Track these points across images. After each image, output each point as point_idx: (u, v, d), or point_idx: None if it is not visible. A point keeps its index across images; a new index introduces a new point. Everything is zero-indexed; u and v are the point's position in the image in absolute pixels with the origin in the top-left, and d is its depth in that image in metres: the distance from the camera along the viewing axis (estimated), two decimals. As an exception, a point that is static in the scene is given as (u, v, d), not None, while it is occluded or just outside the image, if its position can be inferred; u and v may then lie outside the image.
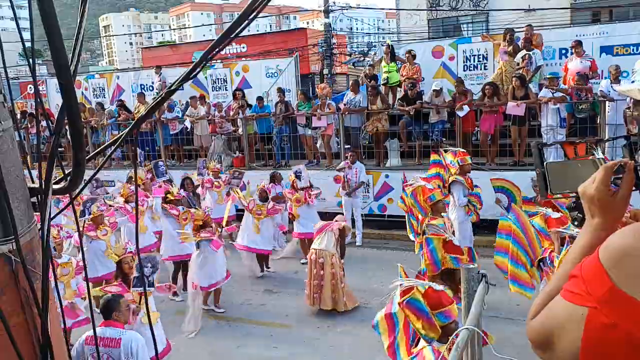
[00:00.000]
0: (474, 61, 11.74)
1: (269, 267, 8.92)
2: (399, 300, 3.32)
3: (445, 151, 7.87)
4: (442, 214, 6.59)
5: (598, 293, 0.88)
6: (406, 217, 7.29)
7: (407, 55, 11.25)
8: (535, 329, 1.02)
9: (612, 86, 8.87)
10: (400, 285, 3.38)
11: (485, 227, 8.99)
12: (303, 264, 8.71)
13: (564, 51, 10.76)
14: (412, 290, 3.27)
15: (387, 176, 10.49)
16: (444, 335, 3.28)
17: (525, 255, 5.38)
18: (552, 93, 9.12)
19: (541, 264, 5.33)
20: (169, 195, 8.38)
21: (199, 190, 9.93)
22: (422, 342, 3.38)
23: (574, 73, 9.58)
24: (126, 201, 8.66)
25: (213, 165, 10.37)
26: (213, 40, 1.44)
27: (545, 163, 1.37)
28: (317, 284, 7.08)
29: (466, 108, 9.66)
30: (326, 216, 8.69)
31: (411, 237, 7.14)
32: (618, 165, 1.09)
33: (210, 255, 7.10)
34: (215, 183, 9.99)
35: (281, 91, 11.67)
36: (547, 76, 9.46)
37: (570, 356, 0.93)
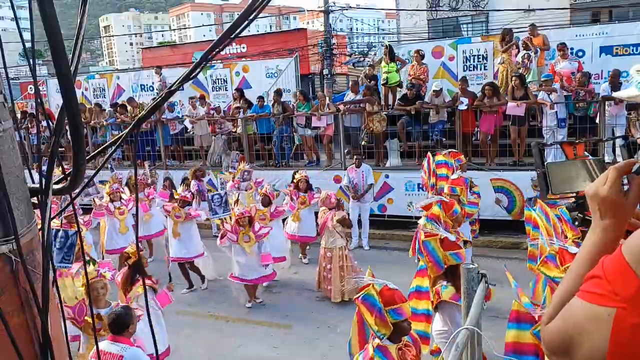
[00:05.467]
0: (474, 61, 11.74)
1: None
2: (355, 297, 3.63)
3: None
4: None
5: (625, 293, 0.86)
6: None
7: (415, 54, 11.24)
8: (552, 333, 0.97)
9: (612, 92, 8.86)
10: (357, 281, 3.68)
11: (484, 227, 8.98)
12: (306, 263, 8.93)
13: (564, 51, 10.76)
14: (368, 287, 3.52)
15: (387, 176, 10.47)
16: (395, 333, 3.46)
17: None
18: (548, 95, 9.12)
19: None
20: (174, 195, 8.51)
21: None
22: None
23: (567, 74, 9.64)
24: (111, 200, 8.71)
25: (243, 166, 10.31)
26: (213, 40, 1.44)
27: (545, 163, 1.37)
28: (325, 276, 7.45)
29: (465, 100, 9.61)
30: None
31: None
32: (636, 166, 1.06)
33: None
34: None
35: (277, 93, 11.56)
36: (543, 78, 9.45)
37: None
